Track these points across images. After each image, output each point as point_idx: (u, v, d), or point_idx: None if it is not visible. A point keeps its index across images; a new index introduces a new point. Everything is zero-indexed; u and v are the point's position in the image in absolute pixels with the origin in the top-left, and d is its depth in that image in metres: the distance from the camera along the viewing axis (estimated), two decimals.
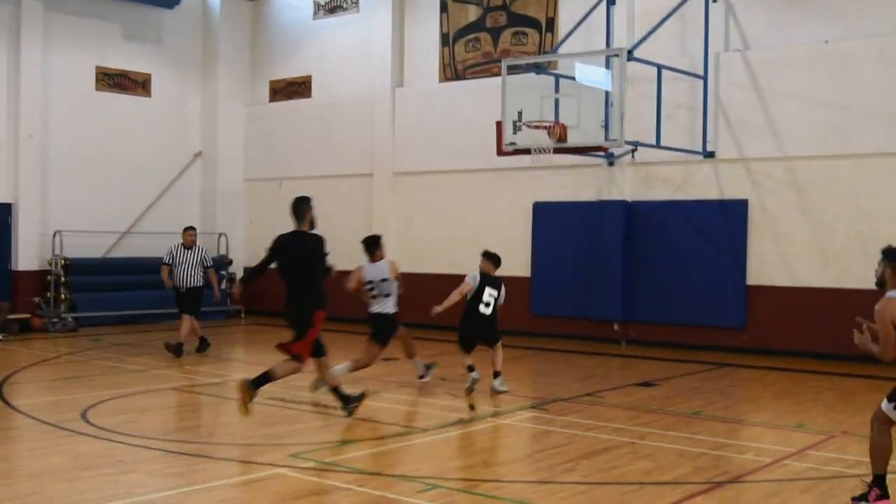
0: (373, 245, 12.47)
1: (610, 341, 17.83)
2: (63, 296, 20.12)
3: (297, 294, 9.94)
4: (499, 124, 16.04)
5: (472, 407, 11.02)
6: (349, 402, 10.26)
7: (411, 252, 20.30)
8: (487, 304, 12.13)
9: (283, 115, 23.55)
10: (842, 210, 15.82)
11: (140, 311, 21.05)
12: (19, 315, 19.12)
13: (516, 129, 15.73)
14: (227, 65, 23.75)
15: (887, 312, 6.79)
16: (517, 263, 18.41)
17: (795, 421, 10.65)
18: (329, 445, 9.11)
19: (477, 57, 20.20)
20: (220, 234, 23.24)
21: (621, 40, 17.28)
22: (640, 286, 17.73)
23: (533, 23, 19.34)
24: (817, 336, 15.85)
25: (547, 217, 18.88)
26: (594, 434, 9.70)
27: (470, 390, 11.73)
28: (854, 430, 9.99)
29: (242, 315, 22.94)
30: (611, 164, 17.99)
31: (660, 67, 15.88)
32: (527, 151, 15.64)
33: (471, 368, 11.95)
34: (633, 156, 17.32)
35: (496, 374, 12.15)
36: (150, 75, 22.76)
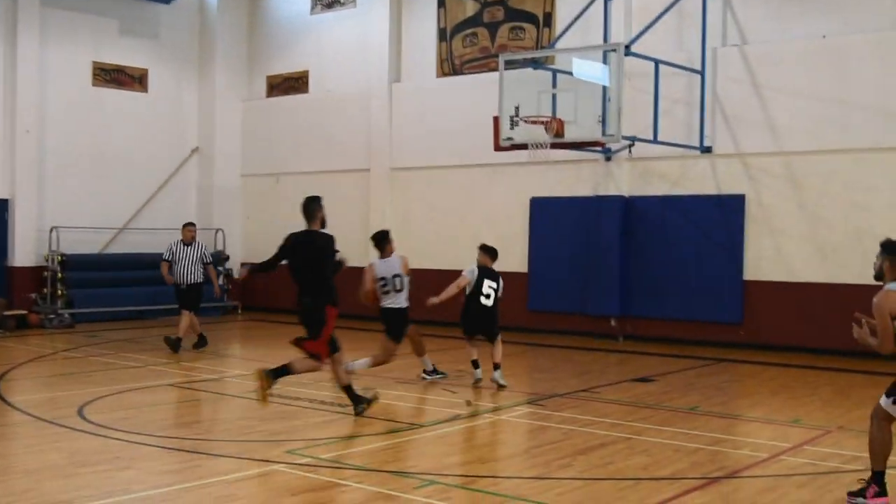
0: (382, 240, 12.53)
1: (607, 337, 17.85)
2: (60, 292, 20.14)
3: (307, 292, 10.02)
4: (496, 119, 16.09)
5: (468, 403, 11.08)
6: (360, 403, 10.28)
7: (408, 247, 20.11)
8: (488, 296, 12.33)
9: (279, 110, 23.55)
10: (839, 205, 15.85)
11: (137, 308, 21.07)
12: (16, 311, 19.15)
13: (513, 124, 15.77)
14: (224, 60, 23.74)
15: (885, 305, 6.82)
16: (514, 259, 18.45)
17: (792, 416, 10.69)
18: (326, 442, 9.10)
19: (474, 52, 20.22)
20: (217, 230, 23.24)
21: (618, 35, 17.29)
22: (637, 282, 17.76)
23: (530, 18, 19.36)
24: (814, 331, 15.87)
25: (544, 212, 18.90)
26: (591, 430, 9.75)
27: (475, 384, 12.24)
28: (850, 425, 10.05)
29: (239, 311, 22.96)
30: (608, 159, 18.00)
31: (657, 62, 15.89)
32: (524, 147, 15.67)
33: (475, 364, 12.35)
34: (630, 151, 17.30)
35: (496, 367, 12.26)
36: (146, 70, 22.77)
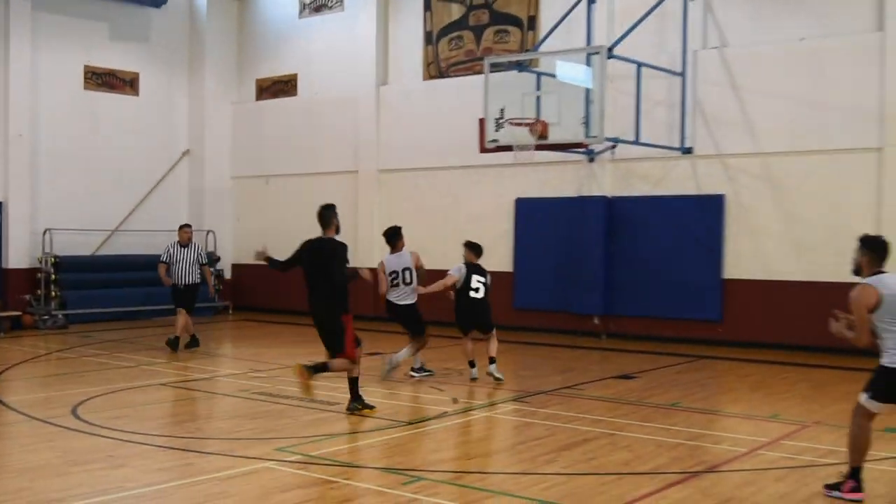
0: (394, 236, 12.95)
1: (590, 335, 18.03)
2: (53, 293, 20.23)
3: (319, 298, 10.28)
4: (481, 121, 16.22)
5: (455, 400, 11.20)
6: (357, 401, 10.43)
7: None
8: (477, 290, 12.65)
9: (269, 113, 23.68)
10: (815, 204, 16.04)
11: (129, 308, 21.16)
12: (10, 312, 19.20)
13: (499, 126, 15.91)
14: (214, 63, 23.86)
15: (862, 299, 6.94)
16: (500, 258, 18.60)
17: (770, 411, 10.82)
18: (315, 439, 9.13)
19: (460, 55, 20.36)
20: (209, 231, 23.34)
21: (601, 38, 17.40)
22: (620, 280, 17.92)
23: (515, 21, 19.51)
24: (792, 328, 16.07)
25: (529, 213, 19.07)
26: (574, 426, 9.85)
27: (471, 381, 12.55)
28: (827, 419, 10.20)
29: (230, 311, 23.09)
30: (591, 160, 18.18)
31: (639, 65, 16.07)
32: (509, 148, 15.84)
33: (472, 364, 12.67)
34: (612, 152, 17.50)
35: (492, 360, 12.55)
36: (137, 74, 22.88)
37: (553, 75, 16.06)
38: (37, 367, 14.70)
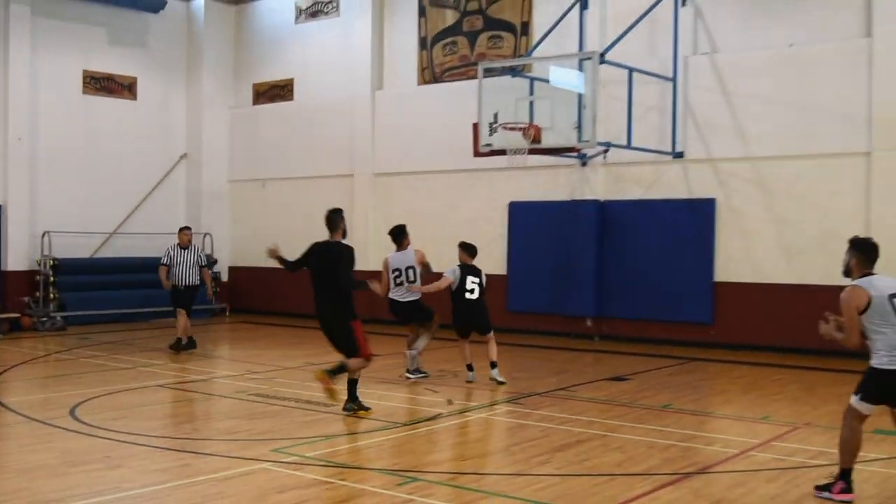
0: (399, 234, 13.13)
1: (583, 337, 18.12)
2: (52, 295, 20.35)
3: (326, 301, 10.40)
4: (475, 126, 16.29)
5: (450, 402, 11.25)
6: (353, 402, 10.51)
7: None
8: (472, 291, 12.75)
9: (266, 117, 23.78)
10: (805, 208, 16.14)
11: (127, 310, 21.27)
12: (9, 314, 19.29)
13: (492, 130, 15.98)
14: (211, 68, 23.98)
15: (852, 300, 7.00)
16: (494, 261, 18.68)
17: (761, 413, 10.87)
18: (311, 440, 9.16)
19: (454, 60, 20.46)
20: (206, 234, 23.44)
21: (593, 44, 17.56)
22: (612, 283, 18.00)
23: (508, 27, 19.62)
24: (782, 331, 16.17)
25: (522, 216, 19.18)
26: (567, 427, 9.90)
27: (468, 382, 12.68)
28: (817, 421, 10.27)
29: (227, 313, 23.22)
30: (583, 164, 18.28)
31: (631, 70, 16.15)
32: (502, 152, 15.90)
33: (470, 367, 12.77)
34: (604, 156, 17.58)
35: (493, 365, 12.65)
36: (135, 78, 23.00)
37: (546, 80, 16.15)
38: (35, 369, 14.76)
